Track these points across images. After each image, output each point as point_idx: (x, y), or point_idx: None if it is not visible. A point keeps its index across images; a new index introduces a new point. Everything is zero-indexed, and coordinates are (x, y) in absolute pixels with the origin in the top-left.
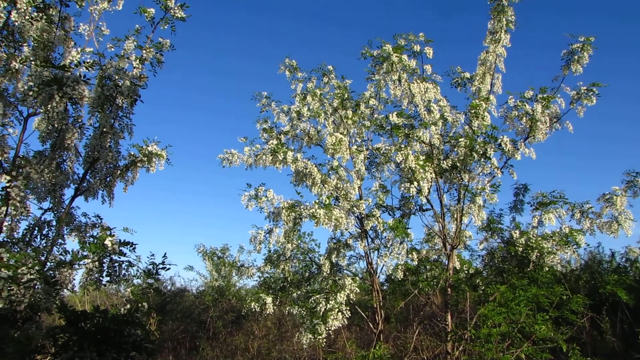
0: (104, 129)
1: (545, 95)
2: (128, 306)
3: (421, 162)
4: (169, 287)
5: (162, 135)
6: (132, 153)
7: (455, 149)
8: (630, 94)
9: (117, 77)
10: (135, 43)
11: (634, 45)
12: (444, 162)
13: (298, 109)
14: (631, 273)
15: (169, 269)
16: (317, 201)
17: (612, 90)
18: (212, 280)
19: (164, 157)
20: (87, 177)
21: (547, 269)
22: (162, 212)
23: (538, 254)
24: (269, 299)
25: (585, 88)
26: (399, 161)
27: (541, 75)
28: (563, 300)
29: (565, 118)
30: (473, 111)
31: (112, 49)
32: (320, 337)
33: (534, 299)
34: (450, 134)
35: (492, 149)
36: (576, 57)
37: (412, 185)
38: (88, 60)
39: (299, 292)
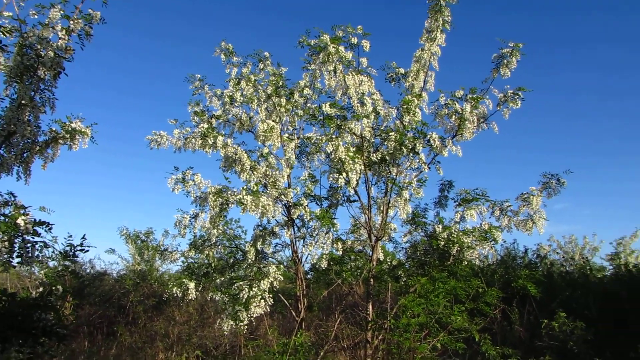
0: (22, 101)
1: (474, 96)
2: (41, 289)
3: (351, 154)
4: (87, 270)
5: (89, 115)
6: (54, 129)
7: (386, 143)
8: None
9: (39, 47)
10: (62, 12)
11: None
12: (374, 154)
13: (231, 94)
14: (540, 268)
15: (87, 251)
16: (245, 187)
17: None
18: (134, 264)
19: (88, 135)
20: (1, 151)
21: (466, 262)
22: (85, 194)
23: (458, 248)
24: (191, 285)
25: (511, 91)
26: (329, 151)
27: (473, 76)
28: (479, 293)
29: (492, 119)
30: (405, 106)
31: (36, 16)
32: (241, 323)
33: (452, 291)
34: (382, 128)
35: (421, 145)
36: (505, 61)
37: (341, 176)
38: (6, 25)
39: (222, 279)
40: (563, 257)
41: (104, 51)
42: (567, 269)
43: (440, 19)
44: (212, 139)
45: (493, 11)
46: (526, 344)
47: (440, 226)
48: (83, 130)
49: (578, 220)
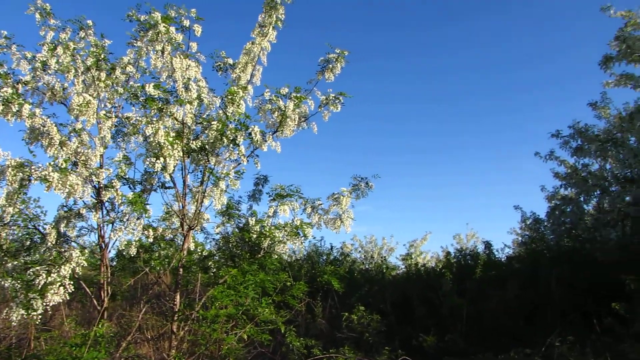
0: None
1: (298, 95)
2: None
3: (171, 139)
4: None
5: None
6: None
7: (207, 132)
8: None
9: None
10: None
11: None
12: (194, 142)
13: (45, 59)
14: (344, 265)
15: None
16: (52, 163)
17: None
18: None
19: None
20: None
21: (276, 256)
22: None
23: (270, 242)
24: None
25: (333, 95)
26: (147, 134)
27: (300, 76)
28: (286, 286)
29: (313, 119)
30: (230, 97)
31: None
32: (35, 313)
33: (261, 284)
34: (204, 116)
35: (242, 137)
36: (331, 66)
37: (158, 161)
38: None
39: (15, 263)
40: (364, 256)
41: None
42: (367, 266)
43: (274, 15)
44: (16, 106)
45: (326, 18)
46: (328, 335)
47: (254, 219)
48: None
49: (378, 222)
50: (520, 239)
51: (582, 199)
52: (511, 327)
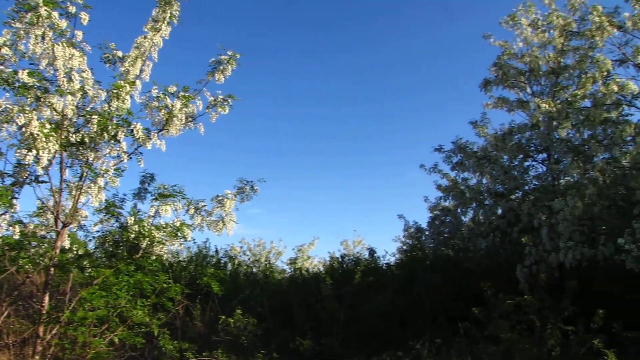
0: None
1: (186, 94)
2: None
3: (47, 131)
4: None
5: None
6: None
7: (88, 125)
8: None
9: None
10: None
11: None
12: (73, 135)
13: None
14: (230, 267)
15: None
16: None
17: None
18: None
19: None
20: None
21: (155, 257)
22: None
23: (149, 242)
24: None
25: (222, 97)
26: (20, 124)
27: (191, 75)
28: (166, 288)
29: (200, 120)
30: (115, 91)
31: None
32: None
33: (138, 285)
34: (87, 109)
35: (124, 133)
36: (221, 67)
37: (30, 153)
38: None
39: None
40: (251, 259)
41: None
42: (254, 270)
43: (169, 11)
44: None
45: (224, 17)
46: (205, 339)
47: (133, 218)
48: None
49: (270, 225)
50: (403, 246)
51: (459, 210)
52: (386, 330)
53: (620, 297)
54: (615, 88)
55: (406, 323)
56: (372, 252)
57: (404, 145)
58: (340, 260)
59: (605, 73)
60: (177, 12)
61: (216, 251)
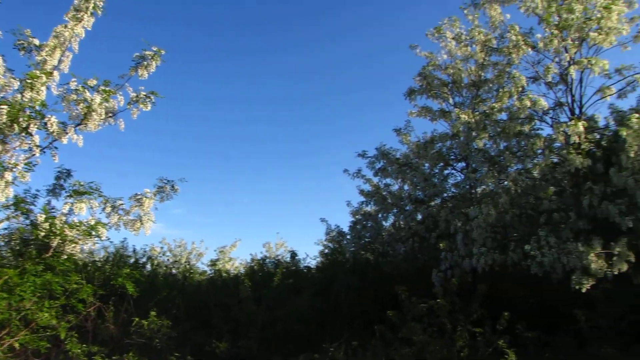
0: None
1: (107, 89)
2: None
3: None
4: None
5: None
6: None
7: None
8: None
9: None
10: None
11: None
12: None
13: None
14: (149, 268)
15: None
16: None
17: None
18: None
19: None
20: None
21: (66, 256)
22: None
23: (60, 241)
24: None
25: (144, 94)
26: None
27: (113, 69)
28: (76, 289)
29: (121, 115)
30: (30, 81)
31: None
32: None
33: (46, 286)
34: None
35: (37, 126)
36: (146, 63)
37: None
38: None
39: None
40: (171, 260)
41: None
42: (173, 271)
43: (93, 1)
44: None
45: (152, 13)
46: (117, 342)
47: (44, 215)
48: None
49: (193, 225)
50: (325, 250)
51: (380, 216)
52: (304, 333)
53: (525, 300)
54: (528, 103)
55: (324, 325)
56: (293, 255)
57: (330, 150)
58: (261, 262)
59: (520, 89)
60: (101, 3)
61: (134, 251)
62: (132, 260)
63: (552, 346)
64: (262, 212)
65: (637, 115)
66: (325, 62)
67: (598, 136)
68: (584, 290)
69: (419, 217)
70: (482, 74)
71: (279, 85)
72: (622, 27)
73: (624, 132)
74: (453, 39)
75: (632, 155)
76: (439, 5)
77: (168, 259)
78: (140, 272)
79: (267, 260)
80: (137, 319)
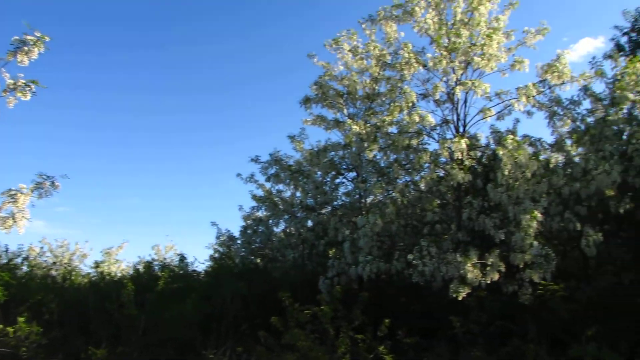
0: None
1: None
2: None
3: None
4: None
5: None
6: None
7: None
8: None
9: None
10: None
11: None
12: None
13: None
14: (26, 269)
15: None
16: None
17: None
18: None
19: None
20: None
21: None
22: None
23: None
24: None
25: (23, 82)
26: None
27: None
28: None
29: None
30: None
31: None
32: None
33: None
34: None
35: None
36: (27, 48)
37: None
38: None
39: None
40: (51, 261)
41: None
42: (53, 273)
43: None
44: None
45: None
46: None
47: None
48: None
49: (79, 225)
50: (215, 254)
51: (272, 221)
52: (187, 338)
53: (407, 307)
54: (417, 119)
55: (209, 331)
56: (182, 258)
57: (228, 154)
58: (148, 265)
59: (410, 104)
60: None
61: (6, 251)
62: (3, 261)
63: (430, 351)
64: (154, 214)
65: (512, 136)
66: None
67: (480, 153)
68: (460, 298)
69: (310, 224)
70: (376, 87)
71: (175, 86)
72: (501, 55)
73: (500, 151)
74: (350, 51)
75: (506, 173)
76: (340, 19)
77: (47, 260)
78: (11, 274)
79: (155, 263)
80: (1, 326)
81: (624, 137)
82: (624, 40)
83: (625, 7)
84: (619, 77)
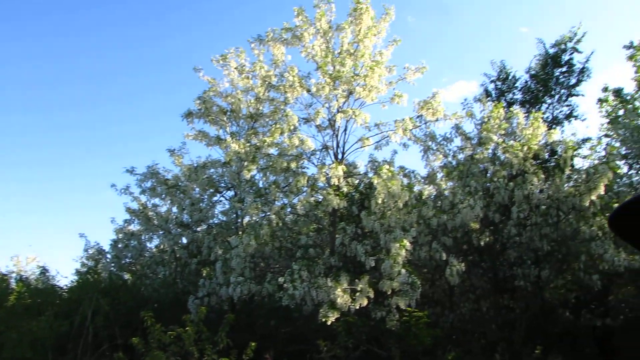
0: None
1: None
2: None
3: None
4: None
5: None
6: None
7: None
8: None
9: None
10: None
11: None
12: None
13: None
14: None
15: None
16: None
17: None
18: None
19: None
20: None
21: None
22: None
23: None
24: None
25: None
26: None
27: None
28: None
29: None
30: None
31: None
32: None
33: None
34: None
35: None
36: None
37: None
38: None
39: None
40: None
41: None
42: None
43: None
44: None
45: None
46: None
47: None
48: None
49: None
50: (83, 268)
51: (144, 236)
52: (38, 358)
53: (277, 330)
54: (297, 142)
55: (65, 351)
56: (43, 271)
57: (103, 164)
58: (1, 277)
59: (292, 127)
60: None
61: None
62: None
63: None
64: (16, 224)
65: (387, 166)
66: (104, 75)
67: (357, 181)
68: (329, 322)
69: (184, 241)
70: (260, 107)
71: (54, 96)
72: (382, 88)
73: (375, 180)
74: (236, 69)
75: (380, 201)
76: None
77: None
78: None
79: (12, 275)
80: None
81: (488, 174)
82: (491, 86)
83: (493, 58)
84: (485, 120)
